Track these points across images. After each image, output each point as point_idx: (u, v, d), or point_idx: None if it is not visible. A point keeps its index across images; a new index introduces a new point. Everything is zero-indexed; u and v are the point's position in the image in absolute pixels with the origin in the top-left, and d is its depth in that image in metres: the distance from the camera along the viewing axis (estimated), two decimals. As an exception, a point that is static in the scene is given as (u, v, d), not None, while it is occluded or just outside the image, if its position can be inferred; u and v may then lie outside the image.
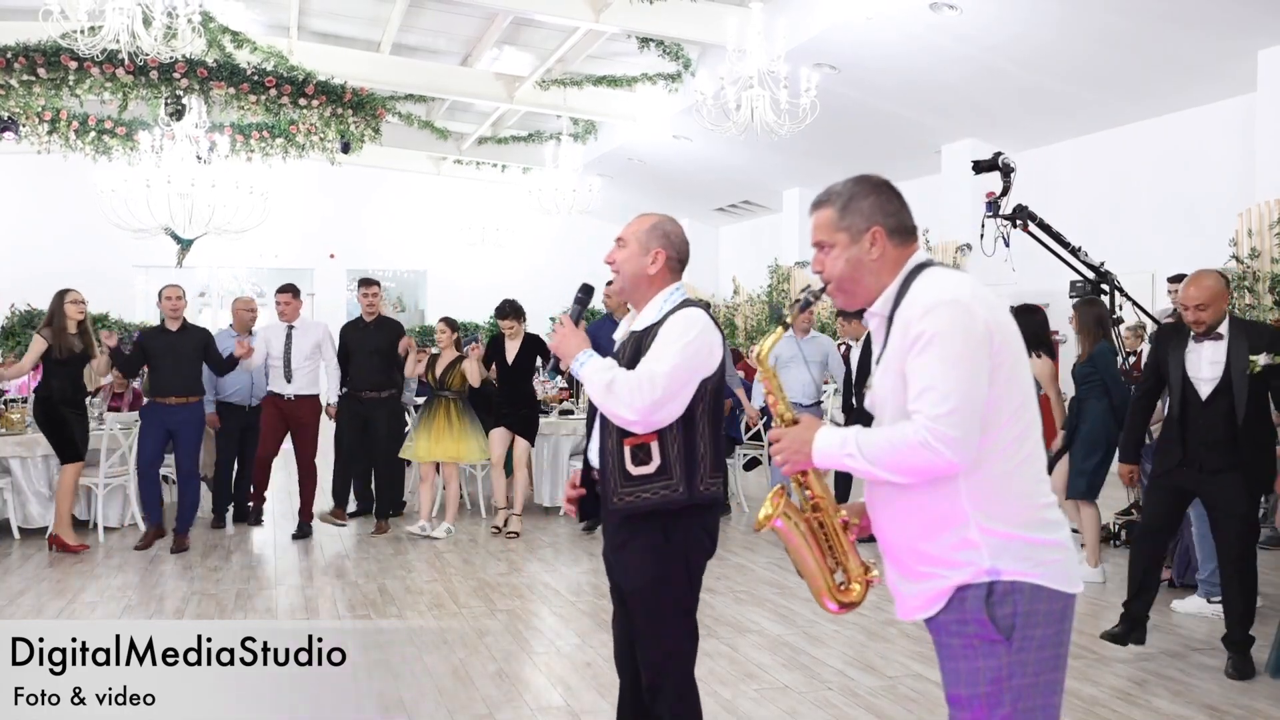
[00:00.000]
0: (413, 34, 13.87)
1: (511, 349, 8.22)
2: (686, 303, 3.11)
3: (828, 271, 2.39)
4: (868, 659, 5.05)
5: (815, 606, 6.05)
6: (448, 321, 8.42)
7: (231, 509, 8.62)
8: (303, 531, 8.14)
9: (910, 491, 2.26)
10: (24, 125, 11.94)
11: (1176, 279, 8.51)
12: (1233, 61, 9.24)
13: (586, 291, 3.28)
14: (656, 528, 3.06)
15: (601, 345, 9.51)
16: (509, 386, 8.27)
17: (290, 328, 8.21)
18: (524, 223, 20.12)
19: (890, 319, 2.30)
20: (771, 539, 7.95)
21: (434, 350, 8.51)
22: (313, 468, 8.21)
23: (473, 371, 8.02)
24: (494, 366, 8.27)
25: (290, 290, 8.37)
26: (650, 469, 3.00)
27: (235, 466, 8.60)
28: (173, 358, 7.61)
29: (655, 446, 3.00)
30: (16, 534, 7.88)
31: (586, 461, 3.30)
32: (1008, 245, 7.01)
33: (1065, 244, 7.51)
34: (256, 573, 7.01)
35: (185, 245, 12.79)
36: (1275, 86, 8.95)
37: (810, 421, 2.32)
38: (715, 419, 3.10)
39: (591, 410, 3.21)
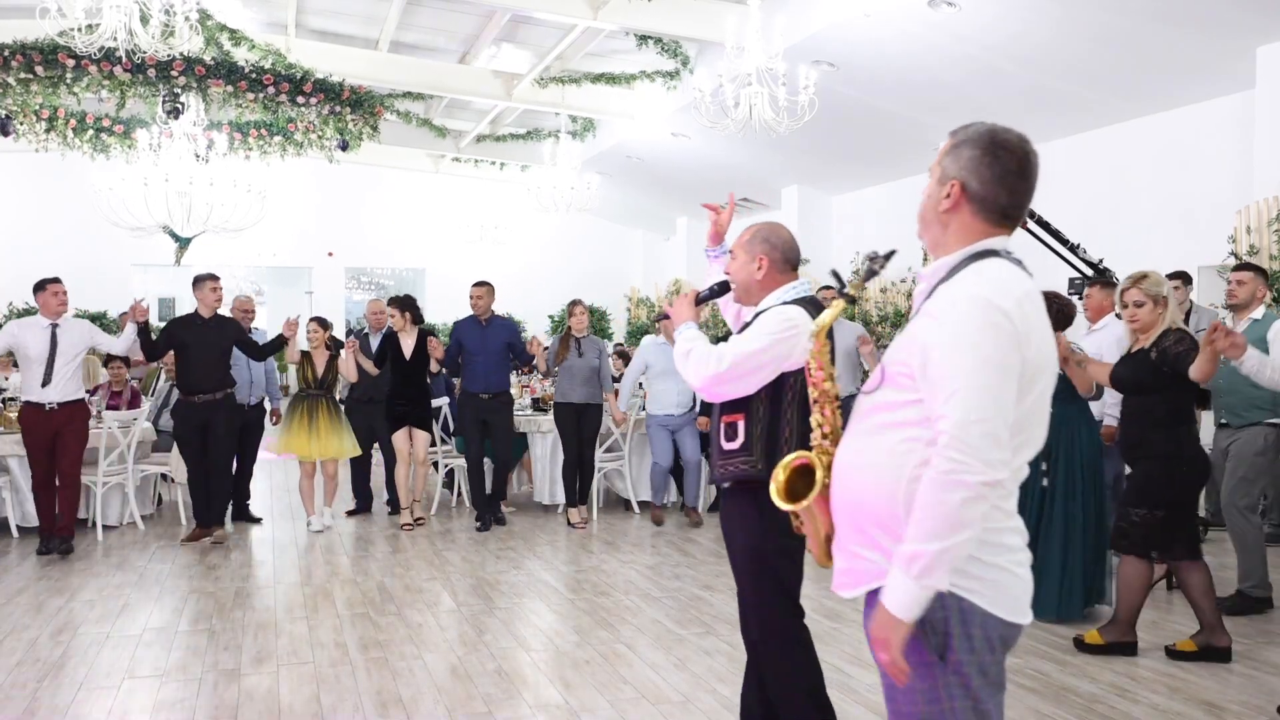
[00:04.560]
0: (411, 32, 13.85)
1: (407, 345, 8.40)
2: (795, 301, 3.31)
3: (922, 198, 2.31)
4: (866, 657, 5.05)
5: (815, 604, 6.06)
6: (320, 321, 8.55)
7: (231, 508, 8.61)
8: (64, 547, 7.30)
9: (859, 467, 2.20)
10: (21, 124, 11.94)
11: (1175, 276, 8.53)
12: (1231, 59, 9.24)
13: (724, 287, 3.49)
14: (750, 499, 3.31)
15: (465, 344, 9.53)
16: (403, 381, 8.41)
17: (54, 326, 7.38)
18: (522, 220, 20.12)
19: (933, 291, 2.20)
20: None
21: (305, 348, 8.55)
22: (76, 480, 7.46)
23: (350, 368, 8.28)
24: (388, 361, 8.45)
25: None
26: (736, 445, 3.31)
27: (234, 465, 8.57)
28: None
29: (741, 425, 3.30)
30: (15, 532, 7.89)
31: None
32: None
33: (1065, 241, 7.52)
34: (256, 571, 7.01)
35: (183, 244, 12.78)
36: (1273, 83, 8.94)
37: (881, 615, 2.09)
38: (808, 408, 3.23)
39: None
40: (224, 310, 8.23)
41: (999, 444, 2.01)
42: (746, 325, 3.36)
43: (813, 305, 3.34)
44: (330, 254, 20.71)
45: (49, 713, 4.33)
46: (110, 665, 4.96)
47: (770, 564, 3.36)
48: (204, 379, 7.76)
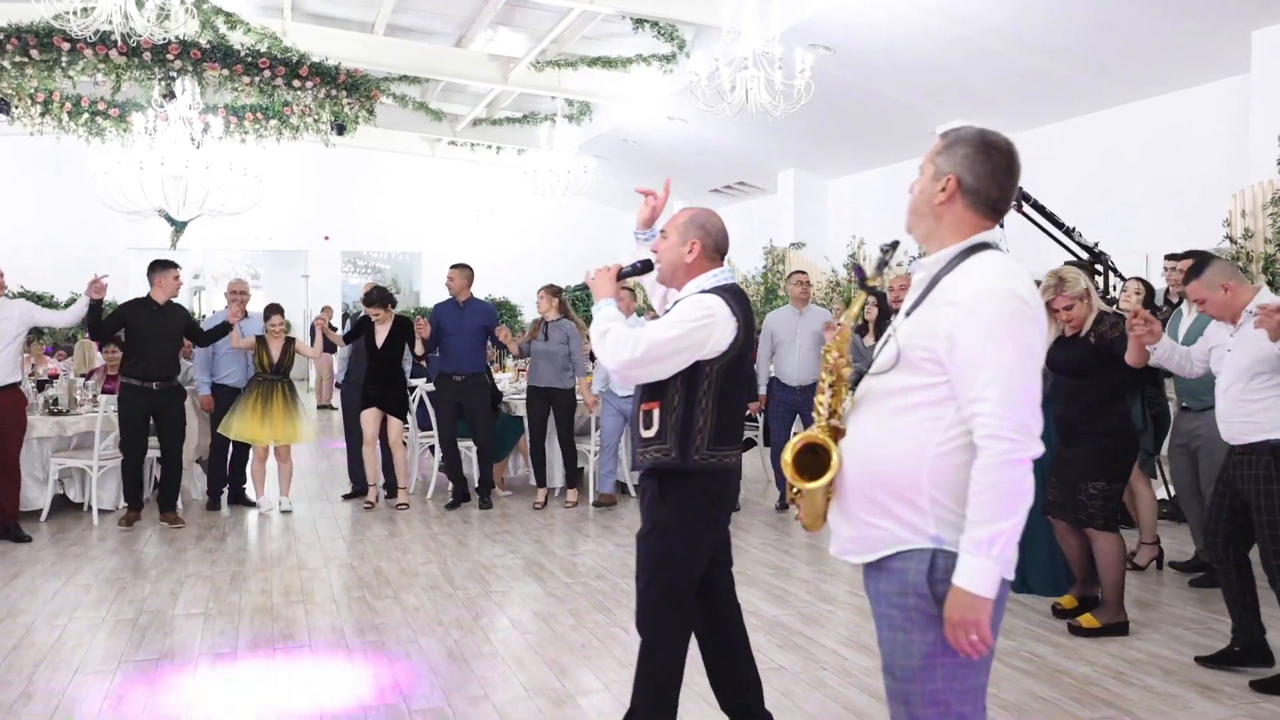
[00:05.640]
0: (407, 15, 13.81)
1: (381, 333, 8.51)
2: (716, 290, 3.34)
3: (912, 193, 2.44)
4: (862, 639, 5.07)
5: (810, 587, 6.09)
6: (276, 309, 8.55)
7: (226, 491, 8.62)
8: (13, 535, 7.17)
9: (879, 444, 2.33)
10: (17, 107, 11.91)
11: (1173, 257, 8.54)
12: (1226, 42, 9.23)
13: (646, 265, 3.52)
14: (657, 485, 3.42)
15: (443, 325, 9.61)
16: (378, 368, 8.51)
17: None
18: (519, 204, 20.10)
19: (935, 280, 2.34)
20: (768, 521, 7.97)
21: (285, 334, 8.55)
22: (17, 469, 7.36)
23: (316, 349, 8.66)
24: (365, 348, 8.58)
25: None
26: (651, 433, 3.36)
27: (230, 449, 8.57)
28: None
29: (657, 414, 3.34)
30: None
31: None
32: (1002, 226, 7.01)
33: (1060, 225, 7.53)
34: (251, 555, 7.02)
35: (179, 228, 12.77)
36: (1268, 67, 8.93)
37: (964, 599, 2.19)
38: (724, 398, 3.36)
39: None
40: (218, 295, 8.23)
41: (1039, 419, 2.23)
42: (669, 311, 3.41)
43: (733, 294, 3.36)
44: (327, 237, 20.68)
45: (45, 697, 4.33)
46: (107, 650, 4.97)
47: (669, 550, 3.40)
48: (157, 366, 7.65)
